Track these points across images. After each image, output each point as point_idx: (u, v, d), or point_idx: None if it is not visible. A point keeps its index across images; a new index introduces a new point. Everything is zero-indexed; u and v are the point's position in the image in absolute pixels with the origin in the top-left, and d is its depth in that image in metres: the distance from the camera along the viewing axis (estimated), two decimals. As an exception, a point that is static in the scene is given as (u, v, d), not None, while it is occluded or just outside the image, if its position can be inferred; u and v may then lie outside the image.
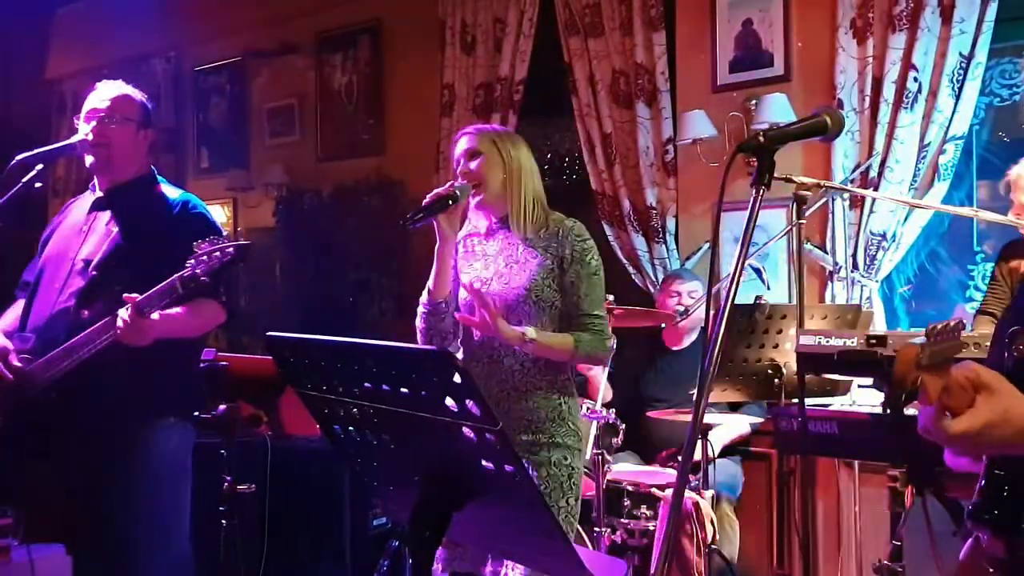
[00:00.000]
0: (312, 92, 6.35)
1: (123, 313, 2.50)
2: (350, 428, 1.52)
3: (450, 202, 2.39)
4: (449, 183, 2.47)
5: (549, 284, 2.41)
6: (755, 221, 1.48)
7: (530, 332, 2.32)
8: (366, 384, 1.40)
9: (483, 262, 2.52)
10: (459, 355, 2.51)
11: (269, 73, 6.62)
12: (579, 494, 2.43)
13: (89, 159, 2.89)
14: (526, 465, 2.24)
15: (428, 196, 2.42)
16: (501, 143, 2.51)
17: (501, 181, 2.47)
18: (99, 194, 2.95)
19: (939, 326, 1.18)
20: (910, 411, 1.25)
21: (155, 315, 2.51)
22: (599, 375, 3.63)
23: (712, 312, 3.45)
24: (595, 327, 2.41)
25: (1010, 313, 1.68)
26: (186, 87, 7.12)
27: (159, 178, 3.00)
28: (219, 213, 6.77)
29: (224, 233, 2.89)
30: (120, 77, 7.58)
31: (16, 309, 2.96)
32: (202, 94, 7.04)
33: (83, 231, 2.88)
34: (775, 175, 2.69)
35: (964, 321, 1.26)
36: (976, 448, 1.28)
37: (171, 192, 2.94)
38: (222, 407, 2.22)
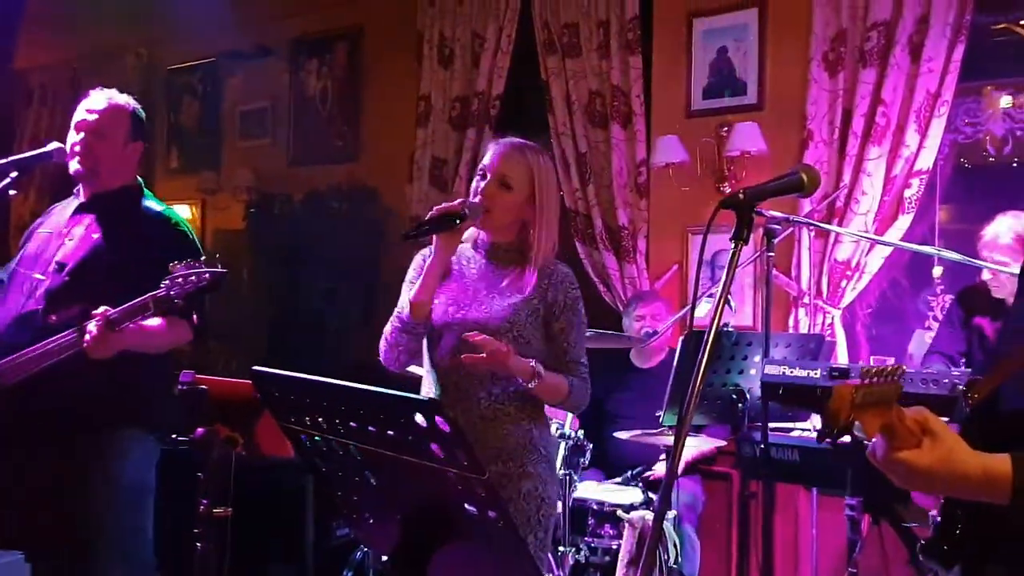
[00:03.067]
0: (286, 96, 6.34)
1: (91, 326, 2.50)
2: (332, 464, 1.56)
3: (457, 221, 2.29)
4: (460, 200, 2.35)
5: (532, 321, 2.34)
6: (733, 274, 1.53)
7: (539, 367, 2.28)
8: (351, 424, 1.43)
9: (460, 283, 2.42)
10: (424, 376, 2.48)
11: (243, 75, 6.60)
12: (550, 525, 2.37)
13: (74, 166, 2.89)
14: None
15: (435, 208, 2.32)
16: (539, 182, 2.38)
17: (517, 217, 2.39)
18: (82, 200, 2.94)
19: (875, 369, 1.25)
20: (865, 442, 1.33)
21: (121, 330, 2.50)
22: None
23: (682, 336, 3.51)
24: (582, 374, 2.40)
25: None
26: (158, 85, 7.07)
27: (146, 192, 3.00)
28: (187, 213, 6.73)
29: (200, 248, 2.91)
30: (90, 71, 7.48)
31: None
32: (174, 93, 7.00)
33: (62, 235, 2.88)
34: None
35: (904, 367, 1.33)
36: (917, 487, 1.36)
37: (155, 207, 2.94)
38: (200, 430, 2.22)
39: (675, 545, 3.19)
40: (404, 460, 1.35)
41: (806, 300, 4.21)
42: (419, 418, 1.25)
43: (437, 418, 1.23)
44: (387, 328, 2.41)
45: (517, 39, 5.14)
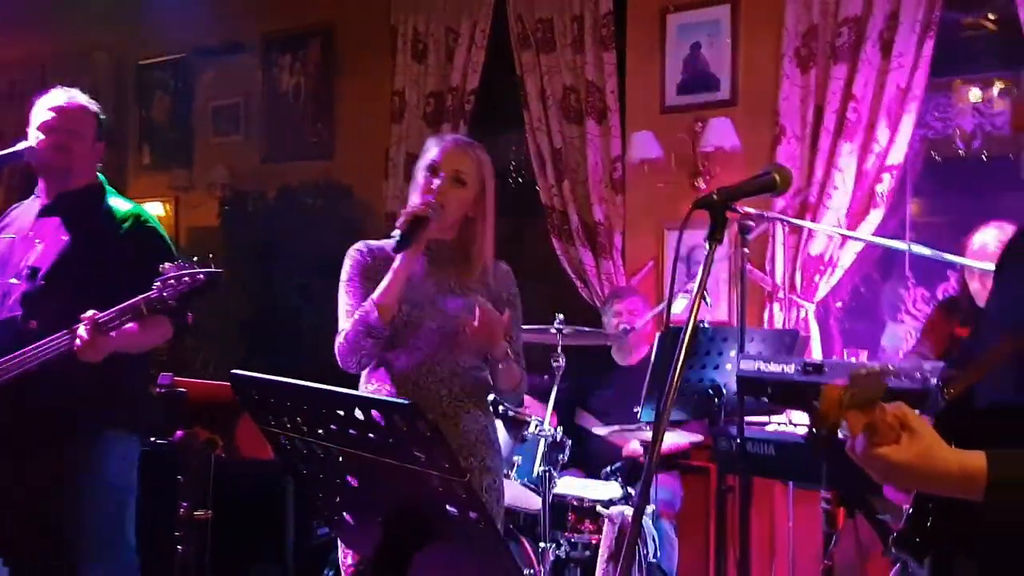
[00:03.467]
0: (259, 92, 6.29)
1: (81, 330, 2.49)
2: (313, 466, 1.56)
3: (425, 224, 2.27)
4: (423, 202, 2.32)
5: None
6: (708, 274, 1.54)
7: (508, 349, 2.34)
8: (332, 427, 1.43)
9: (409, 284, 2.36)
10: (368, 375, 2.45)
11: (215, 71, 6.54)
12: (503, 513, 2.48)
13: (48, 165, 2.86)
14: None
15: (403, 215, 2.29)
16: (488, 179, 2.42)
17: (463, 214, 2.39)
18: (45, 201, 2.92)
19: (863, 372, 1.27)
20: (842, 434, 1.35)
21: (112, 332, 2.51)
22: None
23: (660, 332, 3.53)
24: (523, 365, 2.46)
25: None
26: (129, 82, 7.01)
27: (109, 189, 2.98)
28: (160, 211, 6.68)
29: (172, 246, 2.91)
30: (61, 68, 7.38)
31: None
32: (145, 89, 6.93)
33: (29, 238, 2.85)
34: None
35: (891, 366, 1.35)
36: (895, 482, 1.38)
37: (121, 205, 2.92)
38: (179, 433, 2.22)
39: (654, 540, 3.21)
40: (385, 463, 1.36)
41: (780, 295, 4.25)
42: (399, 421, 1.26)
43: (417, 420, 1.24)
44: (346, 331, 2.35)
45: (491, 34, 5.13)
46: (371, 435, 1.36)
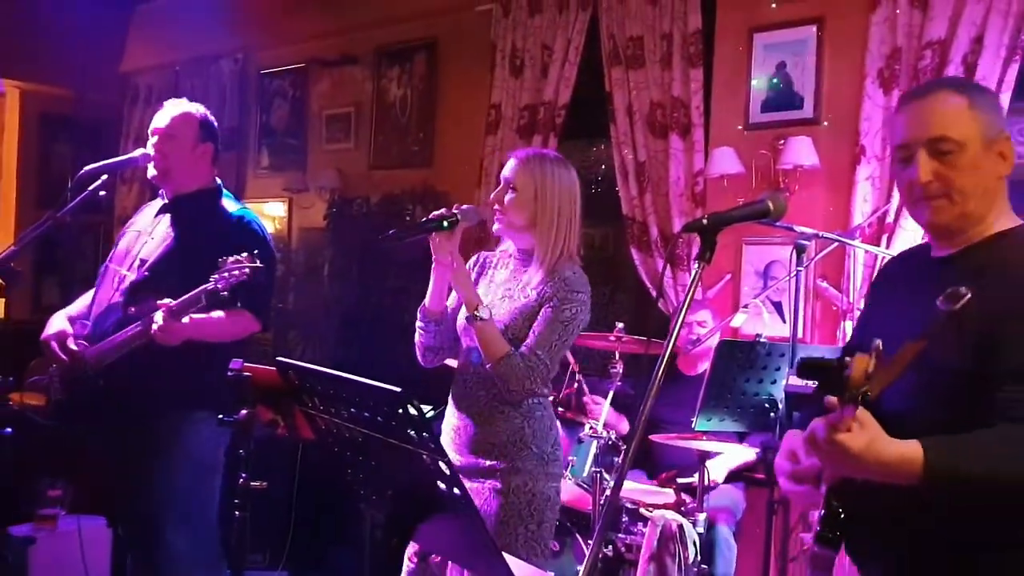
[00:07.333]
0: (368, 102, 6.62)
1: (157, 316, 2.80)
2: (340, 445, 1.78)
3: (444, 224, 2.44)
4: (456, 205, 2.51)
5: (530, 326, 2.47)
6: (692, 295, 1.68)
7: (484, 312, 2.41)
8: (352, 410, 1.65)
9: (486, 287, 2.61)
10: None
11: (329, 81, 6.92)
12: (546, 518, 2.47)
13: (151, 170, 3.22)
14: (484, 488, 2.44)
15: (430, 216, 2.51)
16: (542, 182, 2.51)
17: (527, 219, 2.52)
18: (165, 201, 3.27)
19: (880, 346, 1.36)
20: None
21: (185, 320, 2.80)
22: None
23: (717, 344, 3.61)
24: (532, 362, 2.41)
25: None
26: (251, 88, 7.47)
27: (224, 192, 3.29)
28: (277, 210, 7.10)
29: (272, 247, 3.20)
30: (190, 75, 7.92)
31: (87, 297, 3.30)
32: (266, 96, 7.37)
33: (146, 233, 3.20)
34: (779, 223, 2.89)
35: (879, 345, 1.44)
36: (846, 470, 1.48)
37: (230, 206, 3.23)
38: (243, 411, 2.50)
39: (695, 544, 3.31)
40: (389, 443, 1.56)
41: (856, 313, 4.26)
42: (393, 404, 1.46)
43: (408, 406, 1.44)
44: (416, 334, 2.66)
45: (583, 50, 5.30)
46: (379, 418, 1.56)
